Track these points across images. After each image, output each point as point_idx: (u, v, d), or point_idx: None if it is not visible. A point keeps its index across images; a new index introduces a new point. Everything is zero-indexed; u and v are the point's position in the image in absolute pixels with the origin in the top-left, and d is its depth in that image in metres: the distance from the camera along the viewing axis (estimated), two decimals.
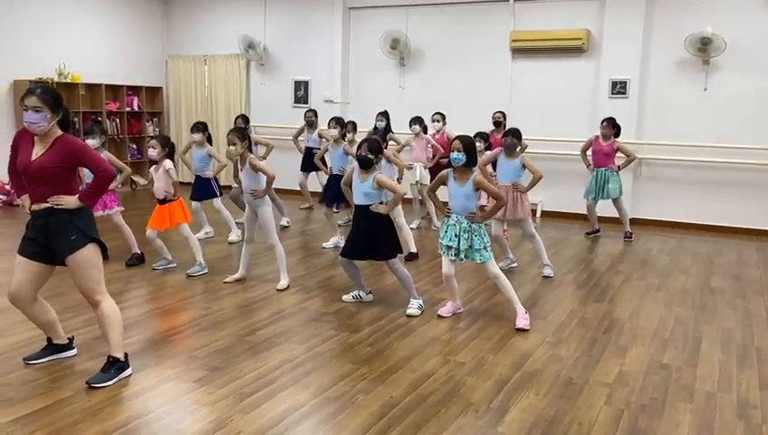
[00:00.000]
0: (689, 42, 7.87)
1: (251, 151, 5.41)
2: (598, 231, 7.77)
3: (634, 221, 7.74)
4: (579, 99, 8.69)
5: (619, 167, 7.42)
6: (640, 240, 7.63)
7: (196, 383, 3.51)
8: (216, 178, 7.11)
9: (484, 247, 4.55)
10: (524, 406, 3.36)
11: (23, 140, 3.44)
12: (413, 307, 4.78)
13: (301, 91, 10.45)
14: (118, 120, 10.57)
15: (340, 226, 7.31)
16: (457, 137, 4.54)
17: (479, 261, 4.57)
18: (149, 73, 11.25)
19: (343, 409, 3.28)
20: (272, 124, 10.40)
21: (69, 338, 3.85)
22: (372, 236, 4.74)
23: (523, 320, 4.55)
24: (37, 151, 3.36)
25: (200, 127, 7.02)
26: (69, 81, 9.61)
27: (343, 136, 6.84)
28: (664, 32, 8.21)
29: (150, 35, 11.23)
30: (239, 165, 5.31)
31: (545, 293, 5.46)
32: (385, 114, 8.05)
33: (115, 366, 3.52)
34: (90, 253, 3.43)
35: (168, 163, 5.60)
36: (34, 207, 3.42)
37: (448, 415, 3.24)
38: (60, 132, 3.40)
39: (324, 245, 6.91)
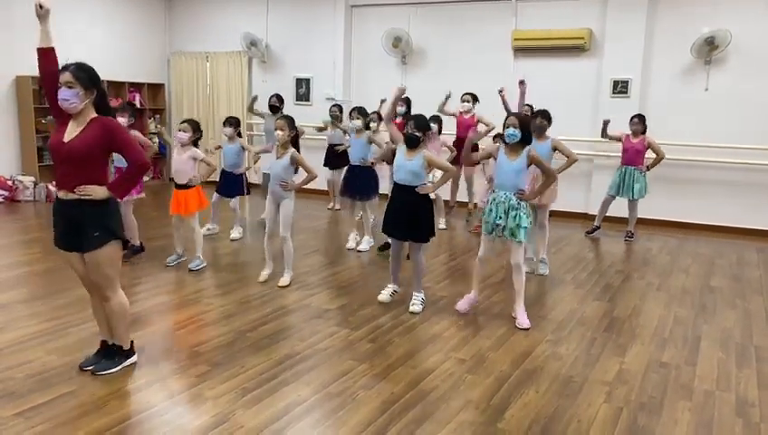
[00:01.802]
0: (695, 49, 7.88)
1: (296, 145, 5.19)
2: (598, 228, 7.78)
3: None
4: (580, 98, 8.70)
5: (647, 167, 7.42)
6: (641, 240, 7.64)
7: (199, 378, 3.54)
8: (245, 175, 6.95)
9: (526, 227, 4.54)
10: (524, 403, 3.39)
11: (59, 119, 3.28)
12: (416, 303, 4.79)
13: (302, 89, 10.46)
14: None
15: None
16: (511, 113, 4.45)
17: (517, 240, 4.53)
18: (152, 70, 11.26)
19: (344, 404, 3.30)
20: None
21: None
22: (414, 218, 4.62)
23: (523, 318, 4.57)
24: (71, 132, 3.22)
25: (232, 121, 6.80)
26: None
27: (367, 126, 6.68)
28: (666, 31, 8.22)
29: (153, 32, 11.24)
30: (276, 153, 5.20)
31: (546, 291, 5.48)
32: (406, 100, 7.98)
33: (119, 354, 3.55)
34: (110, 251, 3.35)
35: (199, 153, 5.60)
36: (61, 194, 3.28)
37: (449, 411, 3.27)
38: (95, 114, 3.26)
39: (357, 247, 6.69)
